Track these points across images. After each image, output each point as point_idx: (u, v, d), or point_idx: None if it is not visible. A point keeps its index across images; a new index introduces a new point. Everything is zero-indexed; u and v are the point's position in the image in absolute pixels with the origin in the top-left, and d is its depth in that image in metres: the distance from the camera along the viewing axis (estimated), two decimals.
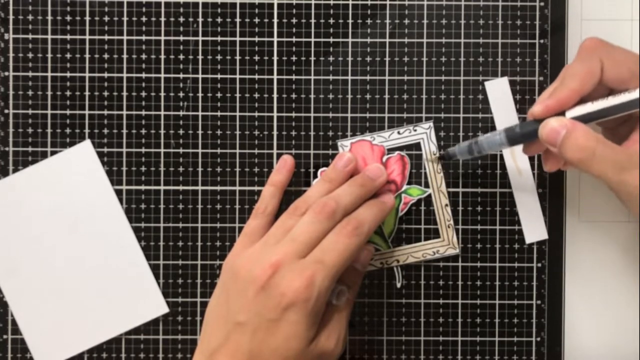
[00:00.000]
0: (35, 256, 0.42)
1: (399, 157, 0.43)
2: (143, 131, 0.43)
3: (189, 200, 0.43)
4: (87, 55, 0.43)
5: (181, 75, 0.43)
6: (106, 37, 0.43)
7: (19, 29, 0.43)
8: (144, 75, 0.43)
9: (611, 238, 0.43)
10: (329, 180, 0.39)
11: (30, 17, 0.43)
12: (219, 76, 0.43)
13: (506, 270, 0.43)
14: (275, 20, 0.43)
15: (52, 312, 0.42)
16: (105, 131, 0.43)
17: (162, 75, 0.43)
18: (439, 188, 0.43)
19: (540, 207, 0.43)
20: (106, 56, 0.43)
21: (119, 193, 0.43)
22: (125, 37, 0.43)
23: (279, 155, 0.43)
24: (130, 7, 0.43)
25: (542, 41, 0.43)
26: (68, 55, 0.43)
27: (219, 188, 0.43)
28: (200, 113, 0.43)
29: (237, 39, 0.43)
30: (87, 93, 0.43)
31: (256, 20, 0.43)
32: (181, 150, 0.43)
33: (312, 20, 0.43)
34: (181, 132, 0.43)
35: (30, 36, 0.43)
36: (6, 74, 0.43)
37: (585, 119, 0.34)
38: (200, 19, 0.43)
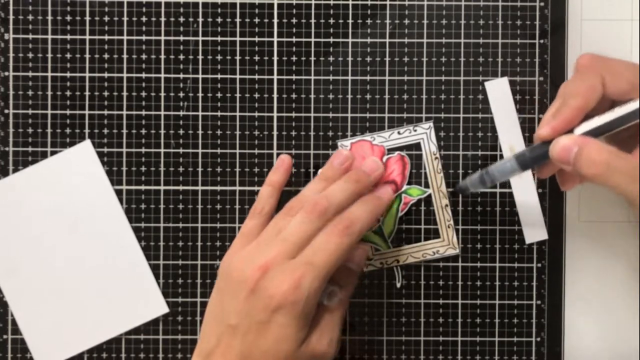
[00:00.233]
0: (35, 256, 0.42)
1: (399, 157, 0.43)
2: (143, 131, 0.43)
3: (189, 200, 0.43)
4: (87, 55, 0.43)
5: (181, 75, 0.43)
6: (106, 37, 0.43)
7: (19, 29, 0.43)
8: (144, 75, 0.43)
9: (611, 238, 0.43)
10: (325, 178, 0.39)
11: (30, 17, 0.43)
12: (219, 76, 0.43)
13: (506, 270, 0.43)
14: (275, 20, 0.43)
15: (52, 312, 0.42)
16: (105, 131, 0.43)
17: (162, 75, 0.43)
18: (439, 188, 0.43)
19: (540, 207, 0.43)
20: (106, 56, 0.43)
21: (119, 193, 0.43)
22: (125, 37, 0.43)
23: (279, 155, 0.43)
24: (130, 7, 0.43)
25: (542, 41, 0.43)
26: (68, 55, 0.43)
27: (219, 188, 0.43)
28: (200, 113, 0.43)
29: (237, 39, 0.43)
30: (87, 93, 0.43)
31: (256, 20, 0.43)
32: (181, 150, 0.43)
33: (312, 20, 0.43)
34: (181, 132, 0.43)
35: (30, 36, 0.43)
36: (6, 74, 0.43)
37: (593, 133, 0.34)
38: (200, 19, 0.43)
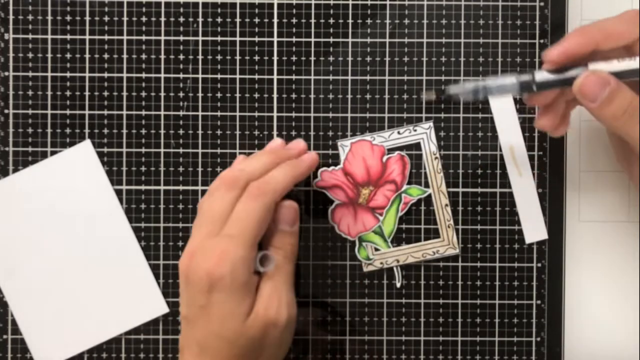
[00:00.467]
0: (35, 256, 0.42)
1: (399, 157, 0.43)
2: (143, 131, 0.43)
3: (189, 200, 0.43)
4: (87, 55, 0.43)
5: (181, 75, 0.43)
6: (106, 37, 0.43)
7: (19, 29, 0.43)
8: (144, 75, 0.43)
9: (611, 238, 0.43)
10: (250, 155, 0.39)
11: (30, 17, 0.43)
12: (219, 76, 0.43)
13: (506, 270, 0.43)
14: (275, 20, 0.43)
15: (52, 312, 0.42)
16: (105, 131, 0.43)
17: (162, 75, 0.43)
18: (439, 188, 0.43)
19: (540, 207, 0.43)
20: (106, 56, 0.43)
21: (119, 193, 0.43)
22: (125, 37, 0.43)
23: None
24: (130, 7, 0.43)
25: (542, 41, 0.43)
26: (68, 55, 0.43)
27: None
28: (200, 113, 0.43)
29: (237, 39, 0.43)
30: (87, 93, 0.43)
31: (256, 20, 0.43)
32: (181, 150, 0.43)
33: (312, 20, 0.43)
34: (181, 132, 0.43)
35: (30, 36, 0.43)
36: (6, 74, 0.43)
37: (620, 75, 0.33)
38: (200, 19, 0.43)
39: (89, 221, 0.43)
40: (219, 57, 0.43)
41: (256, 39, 0.43)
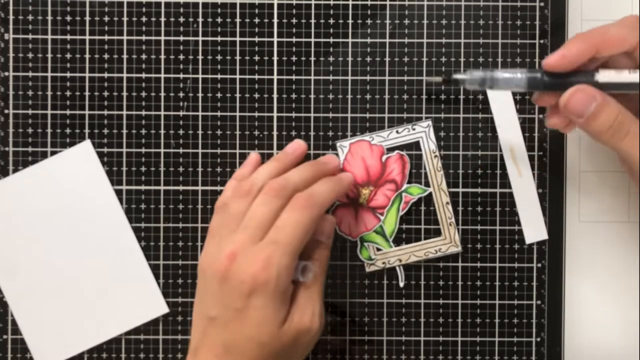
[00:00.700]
0: (35, 256, 0.42)
1: (399, 156, 0.43)
2: (143, 131, 0.43)
3: (189, 200, 0.43)
4: (87, 55, 0.43)
5: (181, 75, 0.43)
6: (106, 37, 0.43)
7: (19, 29, 0.43)
8: (144, 75, 0.43)
9: (611, 238, 0.43)
10: (276, 159, 0.39)
11: (30, 17, 0.43)
12: (219, 76, 0.43)
13: (506, 270, 0.43)
14: (275, 20, 0.43)
15: (52, 312, 0.42)
16: (105, 131, 0.43)
17: (162, 75, 0.43)
18: (439, 186, 0.43)
19: (540, 207, 0.43)
20: (106, 56, 0.43)
21: (119, 193, 0.43)
22: (125, 37, 0.43)
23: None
24: (130, 7, 0.43)
25: (542, 41, 0.43)
26: (68, 55, 0.43)
27: (218, 188, 0.43)
28: (200, 113, 0.43)
29: (237, 39, 0.43)
30: (87, 93, 0.43)
31: (256, 20, 0.43)
32: (181, 150, 0.43)
33: (312, 20, 0.43)
34: (181, 132, 0.43)
35: (30, 36, 0.43)
36: (6, 74, 0.43)
37: (613, 87, 0.33)
38: (200, 19, 0.43)
39: (89, 221, 0.43)
40: (219, 57, 0.43)
41: (256, 39, 0.43)
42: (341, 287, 0.43)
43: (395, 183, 0.42)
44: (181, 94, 0.43)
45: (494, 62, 0.43)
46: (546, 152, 0.43)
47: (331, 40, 0.43)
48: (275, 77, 0.43)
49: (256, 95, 0.43)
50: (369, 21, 0.43)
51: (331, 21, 0.43)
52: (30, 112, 0.43)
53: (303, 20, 0.43)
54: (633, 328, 0.43)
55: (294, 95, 0.43)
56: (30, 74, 0.43)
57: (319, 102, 0.43)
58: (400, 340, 0.43)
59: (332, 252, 0.43)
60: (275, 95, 0.43)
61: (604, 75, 0.34)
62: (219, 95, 0.43)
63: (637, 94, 0.35)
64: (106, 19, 0.43)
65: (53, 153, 0.43)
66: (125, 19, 0.43)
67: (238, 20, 0.43)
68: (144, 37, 0.43)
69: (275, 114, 0.43)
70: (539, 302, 0.43)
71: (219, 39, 0.43)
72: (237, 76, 0.43)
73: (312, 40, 0.43)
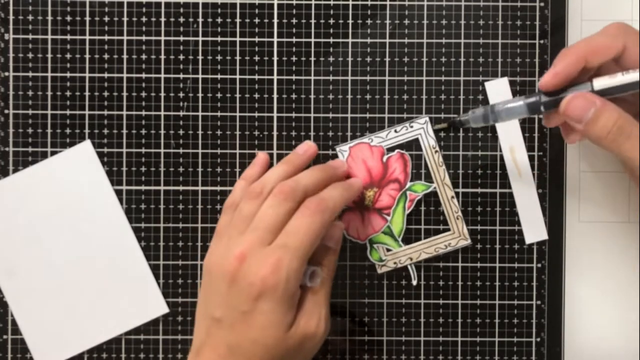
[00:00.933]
0: (35, 256, 0.42)
1: (399, 155, 0.43)
2: (143, 131, 0.43)
3: (189, 200, 0.43)
4: (87, 55, 0.43)
5: (181, 75, 0.43)
6: (106, 37, 0.43)
7: (19, 29, 0.43)
8: (144, 75, 0.43)
9: (611, 238, 0.43)
10: (286, 162, 0.39)
11: (30, 17, 0.43)
12: (219, 76, 0.43)
13: (506, 270, 0.43)
14: (275, 21, 0.43)
15: (52, 312, 0.42)
16: (105, 131, 0.43)
17: (162, 75, 0.43)
18: (443, 181, 0.43)
19: (540, 207, 0.43)
20: (106, 56, 0.43)
21: (119, 193, 0.43)
22: (125, 37, 0.43)
23: (279, 155, 0.43)
24: (130, 7, 0.43)
25: (542, 41, 0.43)
26: (68, 55, 0.43)
27: (218, 188, 0.43)
28: (200, 113, 0.43)
29: (237, 39, 0.43)
30: (87, 93, 0.43)
31: (256, 20, 0.43)
32: (181, 150, 0.43)
33: (312, 20, 0.43)
34: (181, 132, 0.43)
35: (30, 36, 0.43)
36: (6, 74, 0.43)
37: (612, 91, 0.34)
38: (200, 19, 0.43)
39: (89, 221, 0.43)
40: (219, 57, 0.43)
41: (256, 39, 0.43)
42: (341, 287, 0.43)
43: (398, 182, 0.42)
44: (181, 94, 0.43)
45: (494, 62, 0.43)
46: (546, 152, 0.43)
47: (331, 40, 0.43)
48: (275, 77, 0.43)
49: (256, 95, 0.43)
50: (369, 21, 0.43)
51: (331, 21, 0.43)
52: (30, 112, 0.43)
53: (303, 20, 0.43)
54: (633, 328, 0.43)
55: (294, 96, 0.43)
56: (30, 74, 0.43)
57: (319, 103, 0.43)
58: (400, 340, 0.43)
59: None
60: (275, 96, 0.43)
61: (599, 82, 0.34)
62: (219, 95, 0.43)
63: (636, 98, 0.35)
64: (106, 19, 0.43)
65: (53, 153, 0.43)
66: (125, 19, 0.43)
67: (238, 20, 0.43)
68: (144, 37, 0.43)
69: (275, 114, 0.43)
70: (539, 302, 0.43)
71: (219, 39, 0.43)
72: (237, 76, 0.43)
73: (312, 40, 0.43)
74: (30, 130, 0.43)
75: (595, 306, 0.43)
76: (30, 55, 0.43)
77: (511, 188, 0.43)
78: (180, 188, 0.43)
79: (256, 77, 0.43)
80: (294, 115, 0.43)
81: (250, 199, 0.36)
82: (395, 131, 0.43)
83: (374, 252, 0.43)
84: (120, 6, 0.43)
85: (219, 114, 0.43)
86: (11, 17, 0.43)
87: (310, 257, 0.36)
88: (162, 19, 0.43)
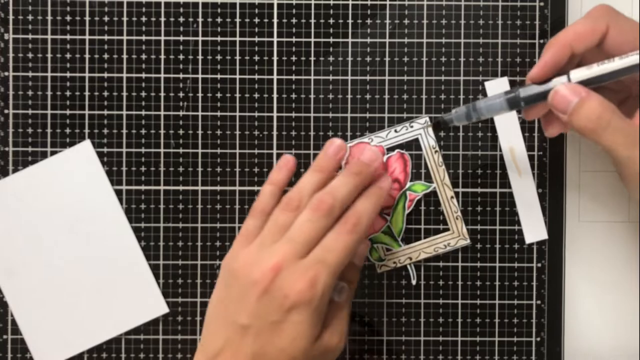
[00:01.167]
0: (35, 256, 0.42)
1: (399, 155, 0.43)
2: (143, 131, 0.43)
3: (189, 200, 0.43)
4: (87, 55, 0.43)
5: (181, 75, 0.43)
6: (106, 37, 0.43)
7: (19, 29, 0.43)
8: (144, 75, 0.43)
9: (611, 238, 0.43)
10: (320, 169, 0.38)
11: (30, 17, 0.43)
12: (219, 76, 0.43)
13: (506, 270, 0.43)
14: (275, 20, 0.43)
15: (52, 312, 0.42)
16: (105, 131, 0.43)
17: (162, 75, 0.43)
18: (442, 181, 0.43)
19: (540, 207, 0.43)
20: (106, 56, 0.43)
21: (119, 193, 0.43)
22: (125, 37, 0.43)
23: (278, 155, 0.43)
24: (130, 7, 0.43)
25: (542, 41, 0.43)
26: (68, 55, 0.43)
27: (219, 188, 0.43)
28: (200, 113, 0.43)
29: (237, 39, 0.43)
30: (87, 93, 0.43)
31: (256, 20, 0.43)
32: (181, 150, 0.43)
33: (312, 20, 0.43)
34: (181, 132, 0.43)
35: (30, 36, 0.43)
36: (6, 74, 0.43)
37: (590, 82, 0.34)
38: (200, 19, 0.43)
39: (89, 221, 0.43)
40: (219, 57, 0.43)
41: (256, 39, 0.43)
42: None
43: (398, 182, 0.42)
44: (181, 94, 0.43)
45: (493, 61, 0.43)
46: (546, 152, 0.43)
47: (331, 40, 0.43)
48: (275, 77, 0.43)
49: (256, 95, 0.43)
50: (369, 21, 0.43)
51: (331, 21, 0.43)
52: (30, 112, 0.43)
53: (303, 20, 0.43)
54: (633, 328, 0.43)
55: (294, 95, 0.43)
56: (30, 74, 0.43)
57: (319, 102, 0.43)
58: (400, 340, 0.43)
59: None
60: (275, 95, 0.43)
61: (576, 75, 0.34)
62: (219, 95, 0.43)
63: (619, 86, 0.35)
64: (106, 19, 0.43)
65: (53, 153, 0.43)
66: (125, 19, 0.43)
67: (238, 20, 0.43)
68: (144, 37, 0.43)
69: (275, 114, 0.43)
70: (539, 302, 0.43)
71: (219, 39, 0.43)
72: (237, 76, 0.43)
73: (312, 40, 0.43)
74: (30, 130, 0.43)
75: (595, 306, 0.43)
76: (30, 55, 0.43)
77: (511, 188, 0.43)
78: (180, 188, 0.43)
79: (256, 77, 0.43)
80: (294, 115, 0.43)
81: (288, 211, 0.36)
82: (395, 131, 0.43)
83: (374, 251, 0.43)
84: (120, 6, 0.43)
85: (219, 114, 0.43)
86: (11, 17, 0.43)
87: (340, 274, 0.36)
88: (162, 19, 0.43)
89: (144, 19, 0.43)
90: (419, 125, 0.43)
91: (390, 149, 0.43)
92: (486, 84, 0.43)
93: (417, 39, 0.43)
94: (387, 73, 0.43)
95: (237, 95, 0.43)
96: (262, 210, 0.38)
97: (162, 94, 0.43)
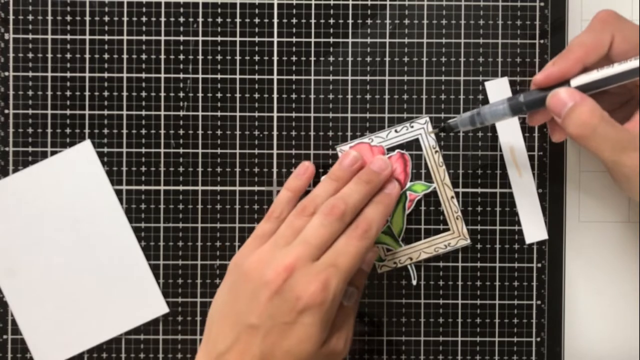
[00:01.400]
0: (35, 256, 0.42)
1: (399, 155, 0.43)
2: (143, 131, 0.43)
3: (189, 200, 0.43)
4: (87, 55, 0.43)
5: (181, 75, 0.43)
6: (106, 37, 0.43)
7: (19, 29, 0.43)
8: (144, 75, 0.43)
9: (611, 238, 0.43)
10: (335, 178, 0.39)
11: (30, 17, 0.43)
12: (219, 76, 0.43)
13: (506, 270, 0.43)
14: (275, 20, 0.43)
15: (52, 312, 0.42)
16: (105, 131, 0.43)
17: (162, 75, 0.43)
18: (442, 181, 0.43)
19: (540, 207, 0.43)
20: (106, 56, 0.43)
21: (119, 193, 0.43)
22: (125, 37, 0.43)
23: (279, 156, 0.43)
24: (130, 7, 0.43)
25: (542, 41, 0.43)
26: (68, 55, 0.43)
27: (219, 188, 0.43)
28: (200, 113, 0.43)
29: (237, 39, 0.43)
30: (87, 93, 0.43)
31: (256, 20, 0.43)
32: (181, 150, 0.43)
33: (312, 20, 0.43)
34: (181, 132, 0.43)
35: (30, 36, 0.43)
36: (6, 74, 0.43)
37: (590, 87, 0.34)
38: (200, 19, 0.43)
39: (89, 221, 0.43)
40: (219, 57, 0.43)
41: (256, 39, 0.43)
42: None
43: (398, 182, 0.42)
44: (181, 94, 0.43)
45: (494, 62, 0.43)
46: (546, 152, 0.43)
47: (331, 40, 0.43)
48: (275, 77, 0.43)
49: (256, 95, 0.43)
50: (369, 21, 0.43)
51: (331, 21, 0.43)
52: (30, 112, 0.43)
53: (303, 20, 0.43)
54: (633, 328, 0.43)
55: (294, 95, 0.43)
56: (30, 74, 0.43)
57: (319, 102, 0.43)
58: (400, 340, 0.43)
59: None
60: (275, 95, 0.43)
61: (575, 81, 0.34)
62: (219, 95, 0.43)
63: (619, 89, 0.35)
64: (106, 19, 0.43)
65: (53, 153, 0.43)
66: (125, 19, 0.43)
67: (238, 20, 0.43)
68: (144, 37, 0.43)
69: (275, 114, 0.43)
70: (539, 302, 0.43)
71: (219, 39, 0.43)
72: (237, 76, 0.43)
73: (312, 40, 0.43)
74: (30, 130, 0.43)
75: (595, 306, 0.43)
76: (30, 55, 0.43)
77: (511, 188, 0.43)
78: (180, 188, 0.43)
79: (256, 77, 0.43)
80: (294, 115, 0.43)
81: (304, 216, 0.37)
82: (396, 131, 0.43)
83: None
84: (120, 6, 0.43)
85: (219, 113, 0.43)
86: (11, 17, 0.43)
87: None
88: (162, 19, 0.43)
89: (144, 19, 0.43)
90: (419, 125, 0.43)
91: (391, 149, 0.43)
92: (486, 84, 0.43)
93: (417, 39, 0.43)
94: (387, 73, 0.43)
95: (237, 95, 0.43)
96: (278, 216, 0.39)
97: (162, 94, 0.43)
